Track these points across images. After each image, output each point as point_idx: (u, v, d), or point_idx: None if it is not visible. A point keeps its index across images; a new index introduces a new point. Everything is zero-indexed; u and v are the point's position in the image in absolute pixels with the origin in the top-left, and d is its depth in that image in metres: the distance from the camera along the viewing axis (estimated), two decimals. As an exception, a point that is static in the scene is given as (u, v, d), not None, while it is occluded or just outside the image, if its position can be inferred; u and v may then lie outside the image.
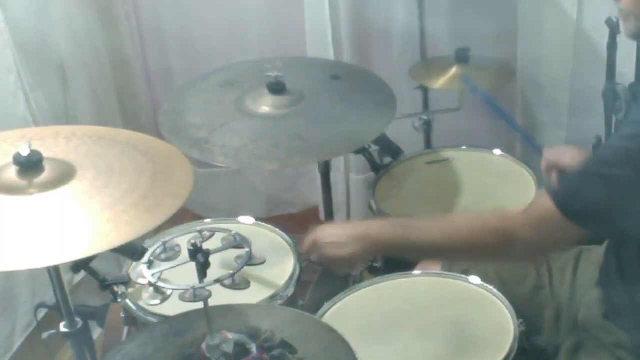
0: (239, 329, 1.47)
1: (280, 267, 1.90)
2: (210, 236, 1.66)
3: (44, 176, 1.39)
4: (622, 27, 1.54)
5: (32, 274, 2.35)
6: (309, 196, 3.09)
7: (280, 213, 3.12)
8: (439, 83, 2.42)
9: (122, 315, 1.86)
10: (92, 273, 1.80)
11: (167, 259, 1.75)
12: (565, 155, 1.93)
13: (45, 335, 1.69)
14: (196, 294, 1.36)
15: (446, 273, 1.83)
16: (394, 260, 2.17)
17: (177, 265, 1.57)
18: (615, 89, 2.14)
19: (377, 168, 2.32)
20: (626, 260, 1.58)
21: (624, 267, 1.59)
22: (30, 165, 1.38)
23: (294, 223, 2.84)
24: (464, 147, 2.41)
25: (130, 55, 2.89)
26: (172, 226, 1.84)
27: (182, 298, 1.68)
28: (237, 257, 1.69)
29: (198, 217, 2.83)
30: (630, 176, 1.35)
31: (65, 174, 1.42)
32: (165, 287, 1.45)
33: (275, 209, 3.13)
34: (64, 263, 1.31)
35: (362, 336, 1.65)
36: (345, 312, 1.76)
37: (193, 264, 1.37)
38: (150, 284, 1.46)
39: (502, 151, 2.36)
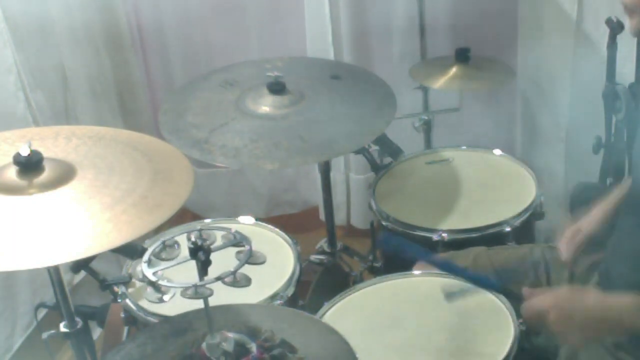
0: (239, 328, 1.47)
1: (280, 267, 1.90)
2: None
3: (44, 176, 1.39)
4: (626, 24, 1.52)
5: (32, 274, 2.35)
6: (309, 196, 3.09)
7: (280, 213, 3.12)
8: (439, 83, 2.42)
9: (122, 315, 1.86)
10: (92, 273, 1.80)
11: (167, 258, 1.74)
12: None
13: (45, 335, 1.69)
14: (197, 292, 1.35)
15: (446, 273, 1.83)
16: (394, 260, 2.18)
17: (178, 264, 1.57)
18: (615, 89, 2.14)
19: (377, 168, 2.32)
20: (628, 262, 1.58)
21: (625, 269, 1.59)
22: (30, 165, 1.38)
23: (294, 223, 2.87)
24: (464, 147, 2.41)
25: (130, 55, 2.89)
26: (172, 226, 1.83)
27: (183, 294, 1.68)
28: (238, 252, 1.69)
29: (198, 217, 2.84)
30: None
31: (65, 174, 1.42)
32: (166, 285, 1.44)
33: (275, 209, 3.13)
34: (64, 263, 1.31)
35: (362, 336, 1.65)
36: (345, 312, 1.76)
37: (191, 263, 1.37)
38: (151, 282, 1.46)
39: (502, 151, 2.37)
